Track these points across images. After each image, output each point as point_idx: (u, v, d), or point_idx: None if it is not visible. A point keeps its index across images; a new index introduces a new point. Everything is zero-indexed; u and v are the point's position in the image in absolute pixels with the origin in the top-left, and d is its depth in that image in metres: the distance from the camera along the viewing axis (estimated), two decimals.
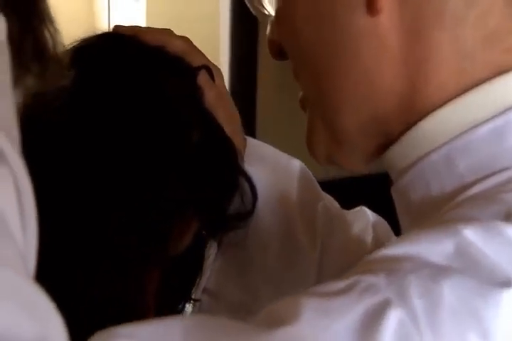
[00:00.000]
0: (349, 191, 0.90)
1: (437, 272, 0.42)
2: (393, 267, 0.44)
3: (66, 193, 0.66)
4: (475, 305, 0.41)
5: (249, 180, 0.75)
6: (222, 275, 0.79)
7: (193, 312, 0.79)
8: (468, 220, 0.45)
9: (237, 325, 0.44)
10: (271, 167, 0.80)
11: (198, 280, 0.76)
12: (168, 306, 0.74)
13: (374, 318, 0.40)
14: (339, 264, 0.78)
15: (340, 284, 0.43)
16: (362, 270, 0.45)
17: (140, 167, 0.68)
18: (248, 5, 0.66)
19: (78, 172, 0.66)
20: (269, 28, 0.62)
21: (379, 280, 0.42)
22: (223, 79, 0.78)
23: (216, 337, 0.42)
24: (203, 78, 0.73)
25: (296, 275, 0.79)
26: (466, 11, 0.51)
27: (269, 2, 0.63)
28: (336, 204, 0.84)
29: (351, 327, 0.40)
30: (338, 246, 0.79)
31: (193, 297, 0.77)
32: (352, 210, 0.84)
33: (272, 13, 0.62)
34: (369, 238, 0.81)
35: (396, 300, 0.41)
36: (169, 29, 0.77)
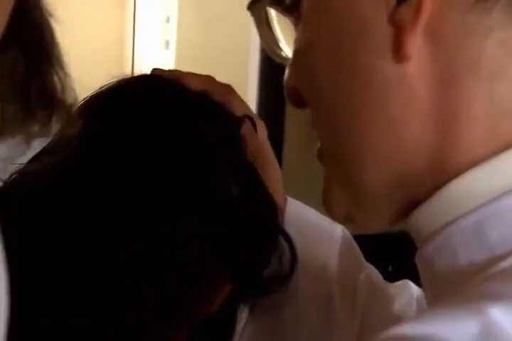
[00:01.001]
0: (373, 247, 0.89)
1: None
2: None
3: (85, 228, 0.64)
4: None
5: (289, 240, 0.72)
6: (253, 339, 0.78)
7: None
8: (496, 297, 0.42)
9: None
10: (312, 231, 0.80)
11: None
12: None
13: None
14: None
15: None
16: None
17: (175, 214, 0.66)
18: (265, 47, 0.64)
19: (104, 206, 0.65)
20: (286, 72, 0.60)
21: None
22: (266, 133, 0.77)
23: None
24: (246, 128, 0.72)
25: None
26: (505, 61, 0.48)
27: (287, 43, 0.62)
28: (379, 275, 0.82)
29: None
30: (378, 322, 0.77)
31: None
32: (395, 283, 0.82)
33: (289, 54, 0.60)
34: (411, 313, 0.79)
35: None
36: (211, 76, 0.76)
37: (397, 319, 0.76)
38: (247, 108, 0.77)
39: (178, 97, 0.72)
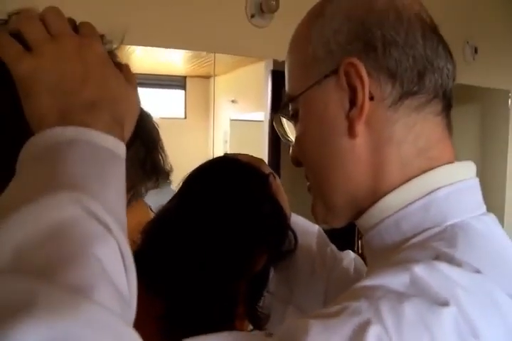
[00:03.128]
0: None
1: (400, 296, 0.40)
2: (369, 294, 0.40)
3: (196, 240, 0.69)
4: (426, 319, 0.38)
5: (293, 232, 0.78)
6: (276, 283, 0.80)
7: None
8: (413, 261, 0.43)
9: None
10: (301, 228, 0.82)
11: (267, 286, 0.78)
12: (250, 301, 0.76)
13: (359, 333, 0.37)
14: (337, 283, 0.78)
15: (335, 308, 0.40)
16: (348, 297, 0.42)
17: (242, 226, 0.71)
18: (279, 135, 0.64)
19: (206, 230, 0.69)
20: (291, 149, 0.60)
21: (361, 304, 0.39)
22: (279, 180, 0.81)
23: None
24: (271, 179, 0.78)
25: (314, 285, 0.79)
26: (406, 136, 0.50)
27: (292, 134, 0.61)
28: (335, 248, 0.84)
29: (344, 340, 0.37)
30: (337, 272, 0.80)
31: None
32: (343, 252, 0.84)
33: (293, 139, 0.60)
34: (352, 268, 0.80)
35: (374, 319, 0.38)
36: (252, 155, 0.82)
37: (345, 270, 0.79)
38: (269, 169, 0.80)
39: (236, 167, 0.78)
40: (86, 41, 0.44)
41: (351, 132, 0.51)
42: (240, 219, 0.71)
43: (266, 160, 2.24)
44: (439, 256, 0.43)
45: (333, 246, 0.83)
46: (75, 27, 0.46)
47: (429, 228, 0.48)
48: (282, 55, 0.57)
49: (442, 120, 0.53)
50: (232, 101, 2.30)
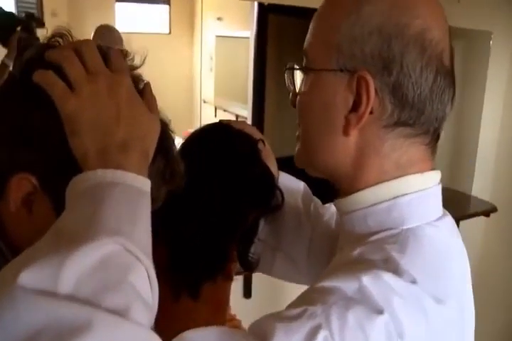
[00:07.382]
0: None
1: (348, 303, 0.45)
2: (324, 299, 0.46)
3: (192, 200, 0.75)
4: (364, 324, 0.44)
5: (280, 191, 0.83)
6: (266, 232, 0.85)
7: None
8: (367, 267, 0.48)
9: (242, 338, 0.45)
10: (288, 185, 0.85)
11: (257, 234, 0.83)
12: (242, 247, 0.81)
13: (311, 336, 0.43)
14: (321, 233, 0.81)
15: (296, 311, 0.45)
16: (308, 298, 0.47)
17: (233, 187, 0.77)
18: (286, 82, 0.63)
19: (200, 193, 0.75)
20: (291, 94, 0.61)
21: (317, 309, 0.45)
22: (269, 145, 0.83)
23: None
24: (260, 145, 0.81)
25: (300, 235, 0.83)
26: (390, 153, 0.54)
27: (296, 83, 0.61)
28: (319, 201, 0.87)
29: None
30: (320, 224, 0.83)
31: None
32: (324, 205, 0.87)
33: (296, 89, 0.60)
34: (333, 220, 0.82)
35: (324, 324, 0.43)
36: (244, 121, 0.82)
37: (328, 222, 0.83)
38: (260, 133, 0.83)
39: (227, 134, 0.81)
40: (117, 78, 0.47)
41: (345, 131, 0.54)
42: (231, 181, 0.77)
43: (251, 75, 2.25)
44: (388, 260, 0.49)
45: (317, 200, 0.89)
46: (105, 55, 0.48)
47: (388, 228, 0.53)
48: None
49: (427, 149, 0.56)
50: (218, 19, 2.27)
